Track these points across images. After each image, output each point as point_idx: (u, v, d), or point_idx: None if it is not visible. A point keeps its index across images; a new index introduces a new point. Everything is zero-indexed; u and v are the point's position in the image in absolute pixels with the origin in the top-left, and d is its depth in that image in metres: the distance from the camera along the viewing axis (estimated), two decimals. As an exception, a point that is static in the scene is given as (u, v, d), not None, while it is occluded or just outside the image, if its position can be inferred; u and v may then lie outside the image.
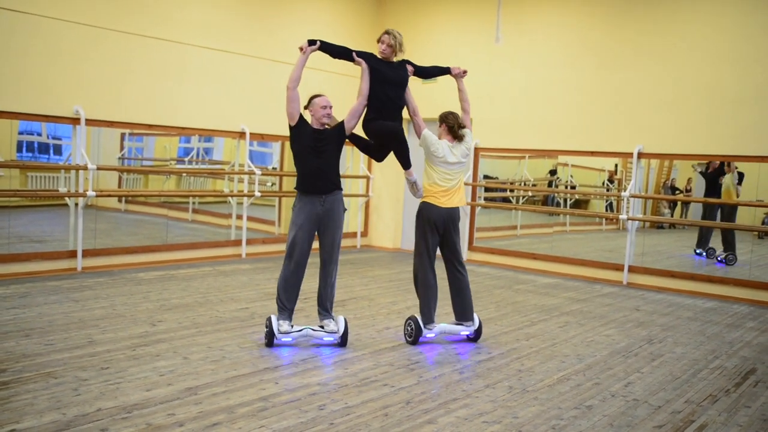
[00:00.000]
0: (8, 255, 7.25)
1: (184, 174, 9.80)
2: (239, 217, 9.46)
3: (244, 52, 9.25)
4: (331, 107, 5.25)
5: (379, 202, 11.26)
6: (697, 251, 9.41)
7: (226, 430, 3.55)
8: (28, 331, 5.18)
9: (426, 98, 10.47)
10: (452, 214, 5.41)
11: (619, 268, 8.93)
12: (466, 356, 5.20)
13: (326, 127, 5.25)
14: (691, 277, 8.49)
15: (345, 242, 11.02)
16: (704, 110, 8.40)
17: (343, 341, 5.22)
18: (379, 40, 5.41)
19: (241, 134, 9.29)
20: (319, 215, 5.20)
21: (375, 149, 5.53)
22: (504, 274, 9.31)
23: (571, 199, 10.66)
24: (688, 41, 8.53)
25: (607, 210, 10.83)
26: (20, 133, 7.98)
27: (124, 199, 9.57)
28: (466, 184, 10.21)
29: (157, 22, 8.28)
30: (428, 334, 5.39)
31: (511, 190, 11.03)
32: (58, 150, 8.46)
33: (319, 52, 5.40)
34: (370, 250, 10.88)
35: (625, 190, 8.96)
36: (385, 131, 5.30)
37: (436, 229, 5.40)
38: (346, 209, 5.45)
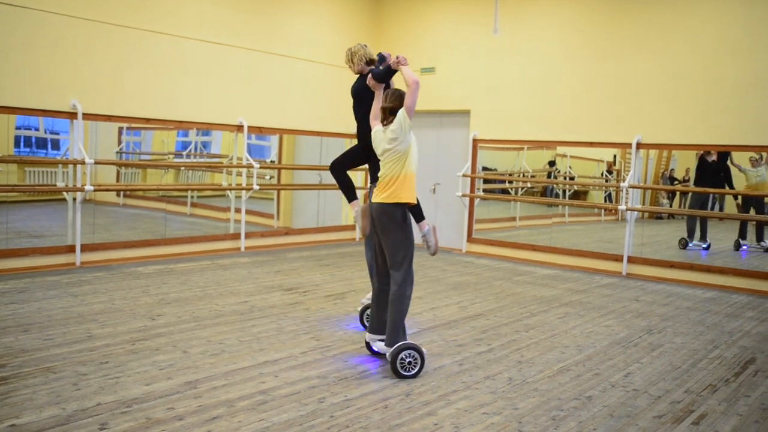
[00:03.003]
0: (7, 250, 7.24)
1: (183, 168, 9.78)
2: (238, 210, 9.45)
3: (241, 45, 9.22)
4: None
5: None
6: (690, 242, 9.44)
7: (226, 424, 3.55)
8: (27, 326, 5.18)
9: (420, 95, 10.46)
10: (376, 210, 4.63)
11: (618, 258, 8.93)
12: (466, 348, 5.20)
13: None
14: (690, 267, 8.49)
15: (344, 235, 11.04)
16: (703, 100, 8.38)
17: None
18: None
19: (239, 127, 9.26)
20: None
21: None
22: (503, 265, 9.31)
23: (569, 190, 10.64)
24: (687, 32, 8.50)
25: (605, 201, 10.81)
26: (17, 128, 7.96)
27: (122, 193, 9.55)
28: (464, 175, 10.20)
29: (154, 16, 8.24)
30: (373, 345, 4.87)
31: (510, 182, 11.01)
32: (55, 145, 8.43)
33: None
34: (369, 243, 10.88)
35: (623, 181, 8.95)
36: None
37: (372, 225, 4.76)
38: None
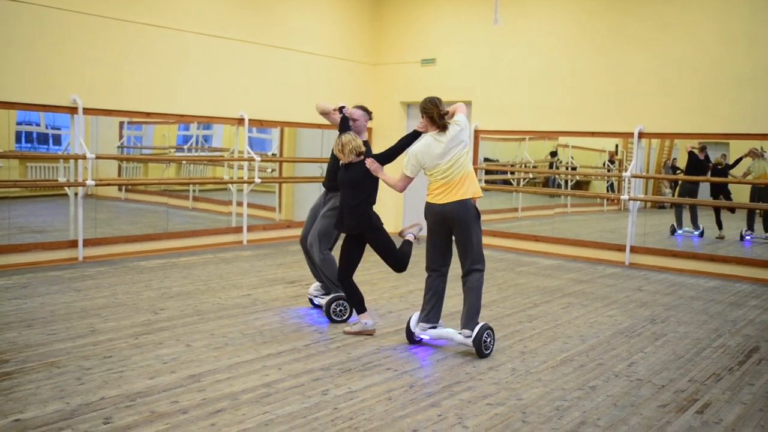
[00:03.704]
0: (9, 246, 7.24)
1: (184, 162, 9.77)
2: (239, 203, 9.44)
3: (242, 38, 9.19)
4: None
5: (379, 186, 11.20)
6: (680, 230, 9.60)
7: (230, 417, 3.55)
8: (30, 321, 5.18)
9: (421, 86, 10.43)
10: (454, 210, 4.88)
11: (621, 248, 8.92)
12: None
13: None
14: (693, 256, 8.48)
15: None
16: (704, 90, 8.35)
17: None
18: None
19: (240, 121, 9.25)
20: None
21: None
22: (506, 256, 9.30)
23: (572, 181, 10.62)
24: (686, 23, 8.46)
25: (608, 191, 10.79)
26: (18, 124, 7.95)
27: (123, 187, 9.55)
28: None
29: (154, 10, 8.21)
30: (421, 335, 5.01)
31: (512, 173, 10.99)
32: (57, 140, 8.43)
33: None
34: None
35: (626, 171, 8.93)
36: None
37: (435, 226, 4.97)
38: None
